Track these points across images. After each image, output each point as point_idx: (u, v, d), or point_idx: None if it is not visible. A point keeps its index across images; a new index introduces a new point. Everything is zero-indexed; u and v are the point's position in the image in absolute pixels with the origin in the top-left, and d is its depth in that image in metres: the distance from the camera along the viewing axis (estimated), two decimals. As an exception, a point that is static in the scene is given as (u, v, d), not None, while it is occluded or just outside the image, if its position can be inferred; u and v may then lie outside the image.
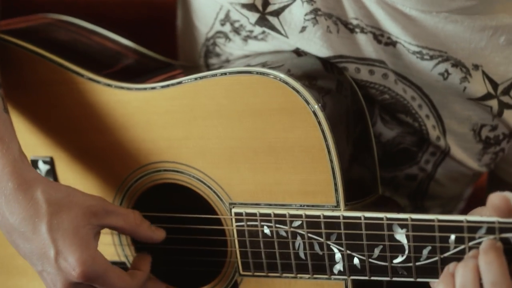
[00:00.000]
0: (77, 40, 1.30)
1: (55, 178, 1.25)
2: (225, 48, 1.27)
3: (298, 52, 1.21)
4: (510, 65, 1.19)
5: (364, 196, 1.17)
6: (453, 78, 1.19)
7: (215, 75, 1.13)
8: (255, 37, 1.23)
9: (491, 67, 1.19)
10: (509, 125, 1.22)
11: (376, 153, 1.20)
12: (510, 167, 1.31)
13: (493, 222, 1.03)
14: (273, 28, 1.20)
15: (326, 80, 1.17)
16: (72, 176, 1.24)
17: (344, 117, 1.14)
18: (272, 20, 1.20)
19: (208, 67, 1.30)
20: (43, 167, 1.25)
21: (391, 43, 1.19)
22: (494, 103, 1.20)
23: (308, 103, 1.09)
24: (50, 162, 1.25)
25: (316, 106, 1.09)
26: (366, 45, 1.19)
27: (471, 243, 1.04)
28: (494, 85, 1.19)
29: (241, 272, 1.17)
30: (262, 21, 1.20)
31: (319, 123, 1.09)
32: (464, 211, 1.32)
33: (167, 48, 1.36)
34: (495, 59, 1.18)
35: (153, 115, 1.17)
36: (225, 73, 1.12)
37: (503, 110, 1.21)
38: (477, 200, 1.39)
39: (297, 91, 1.09)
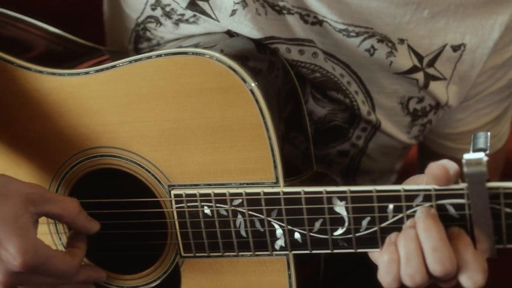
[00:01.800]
0: (2, 28, 1.27)
1: (-15, 169, 1.22)
2: (156, 33, 1.26)
3: (230, 33, 1.22)
4: (434, 37, 1.23)
5: (301, 172, 1.18)
6: (379, 54, 1.22)
7: (150, 57, 1.13)
8: (187, 21, 1.23)
9: (416, 40, 1.22)
10: (435, 97, 1.26)
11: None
12: (438, 138, 1.35)
13: (429, 190, 1.06)
14: (203, 12, 1.21)
15: (258, 60, 1.19)
16: (4, 166, 1.21)
17: (277, 96, 1.16)
18: (202, 4, 1.20)
19: (138, 52, 1.30)
20: (-28, 159, 1.22)
21: (318, 22, 1.21)
22: (420, 75, 1.24)
23: (245, 81, 1.10)
24: (-20, 154, 1.22)
25: (253, 84, 1.10)
26: (294, 26, 1.21)
27: (409, 212, 1.07)
28: (420, 57, 1.23)
29: (182, 254, 1.18)
30: (193, 6, 1.21)
31: (257, 100, 1.10)
32: (396, 184, 1.35)
33: (94, 35, 1.34)
34: (419, 32, 1.22)
35: (88, 100, 1.16)
36: (160, 55, 1.12)
37: (429, 82, 1.25)
38: (408, 175, 1.43)
39: (234, 70, 1.10)
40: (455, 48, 1.23)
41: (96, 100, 1.16)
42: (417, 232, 1.04)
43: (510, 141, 1.46)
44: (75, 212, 1.13)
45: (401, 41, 1.22)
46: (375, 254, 1.09)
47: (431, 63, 1.24)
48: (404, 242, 1.04)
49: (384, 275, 1.05)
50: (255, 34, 1.19)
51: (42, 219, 1.16)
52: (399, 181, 1.39)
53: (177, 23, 1.24)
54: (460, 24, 1.22)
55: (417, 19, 1.21)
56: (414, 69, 1.23)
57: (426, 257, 1.02)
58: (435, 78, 1.24)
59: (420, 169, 1.41)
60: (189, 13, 1.22)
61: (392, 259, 1.04)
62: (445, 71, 1.25)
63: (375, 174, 1.35)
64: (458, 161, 1.04)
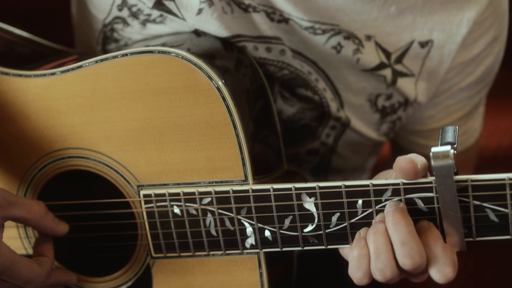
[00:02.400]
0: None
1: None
2: (123, 33, 1.26)
3: (197, 33, 1.22)
4: (402, 34, 1.23)
5: (271, 171, 1.18)
6: (346, 51, 1.22)
7: (116, 56, 1.12)
8: (154, 21, 1.23)
9: (383, 36, 1.22)
10: (404, 93, 1.26)
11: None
12: (409, 135, 1.35)
13: (397, 184, 1.06)
14: (170, 12, 1.20)
15: (225, 58, 1.19)
16: (-29, 171, 1.21)
17: (245, 95, 1.15)
18: (169, 4, 1.20)
19: (106, 53, 1.29)
20: None
21: (283, 20, 1.21)
22: (387, 72, 1.24)
23: (211, 79, 1.10)
24: None
25: (220, 82, 1.09)
26: (261, 23, 1.21)
27: (378, 206, 1.07)
28: (387, 54, 1.23)
29: (153, 255, 1.17)
30: (159, 5, 1.20)
31: (224, 98, 1.10)
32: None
33: (63, 38, 1.34)
34: (386, 29, 1.22)
35: (54, 101, 1.15)
36: (126, 54, 1.12)
37: (396, 78, 1.25)
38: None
39: (200, 68, 1.09)
40: (423, 44, 1.24)
41: (63, 101, 1.15)
42: (386, 226, 1.03)
43: (483, 136, 1.47)
44: (40, 215, 1.12)
45: (368, 37, 1.22)
46: (345, 250, 1.09)
47: (399, 60, 1.24)
48: (374, 236, 1.03)
49: (354, 271, 1.04)
50: (222, 32, 1.19)
51: (11, 223, 1.15)
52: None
53: (144, 23, 1.24)
54: (428, 20, 1.23)
55: (384, 15, 1.21)
56: (381, 66, 1.23)
57: (396, 251, 1.02)
58: (403, 75, 1.24)
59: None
60: (156, 13, 1.22)
61: (361, 254, 1.04)
62: (413, 68, 1.25)
63: (346, 172, 1.35)
64: (429, 158, 1.04)
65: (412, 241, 1.01)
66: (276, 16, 1.20)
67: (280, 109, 1.26)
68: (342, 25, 1.20)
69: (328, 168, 1.32)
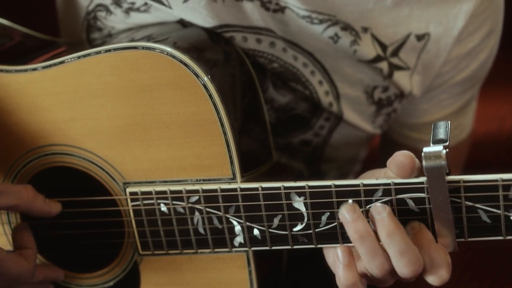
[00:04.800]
0: None
1: None
2: (106, 22, 1.22)
3: (183, 23, 1.18)
4: (398, 26, 1.19)
5: (259, 165, 1.16)
6: (343, 41, 1.18)
7: (99, 52, 1.09)
8: (138, 9, 1.19)
9: (380, 29, 1.19)
10: (399, 86, 1.23)
11: (269, 119, 1.20)
12: (403, 128, 1.32)
13: (388, 184, 1.03)
14: None
15: (212, 51, 1.15)
16: (-47, 167, 1.18)
17: (232, 89, 1.12)
18: None
19: (91, 42, 1.26)
20: None
21: (280, 9, 1.17)
22: (384, 65, 1.21)
23: (197, 76, 1.06)
24: None
25: (205, 79, 1.06)
26: (253, 13, 1.17)
27: (368, 206, 1.04)
28: (383, 47, 1.20)
29: (141, 252, 1.15)
30: None
31: (210, 95, 1.07)
32: (361, 173, 1.33)
33: (48, 26, 1.30)
34: (383, 21, 1.19)
35: (36, 97, 1.12)
36: (109, 50, 1.08)
37: (393, 71, 1.21)
38: (372, 161, 1.41)
39: (185, 65, 1.06)
40: (420, 38, 1.20)
41: (45, 97, 1.12)
42: (379, 235, 1.00)
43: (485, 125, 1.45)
44: (29, 200, 1.09)
45: (365, 29, 1.19)
46: (330, 260, 1.07)
47: (395, 53, 1.21)
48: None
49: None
50: (210, 21, 1.15)
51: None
52: (364, 169, 1.37)
53: (127, 11, 1.20)
54: (424, 12, 1.19)
55: (381, 7, 1.18)
56: (378, 59, 1.20)
57: (394, 261, 0.99)
58: (399, 68, 1.21)
59: (382, 161, 1.39)
60: (140, 1, 1.18)
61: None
62: (409, 61, 1.22)
63: (339, 162, 1.33)
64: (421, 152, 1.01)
65: (409, 250, 0.99)
66: (272, 6, 1.16)
67: (272, 98, 1.23)
68: (339, 16, 1.17)
69: (321, 158, 1.30)
